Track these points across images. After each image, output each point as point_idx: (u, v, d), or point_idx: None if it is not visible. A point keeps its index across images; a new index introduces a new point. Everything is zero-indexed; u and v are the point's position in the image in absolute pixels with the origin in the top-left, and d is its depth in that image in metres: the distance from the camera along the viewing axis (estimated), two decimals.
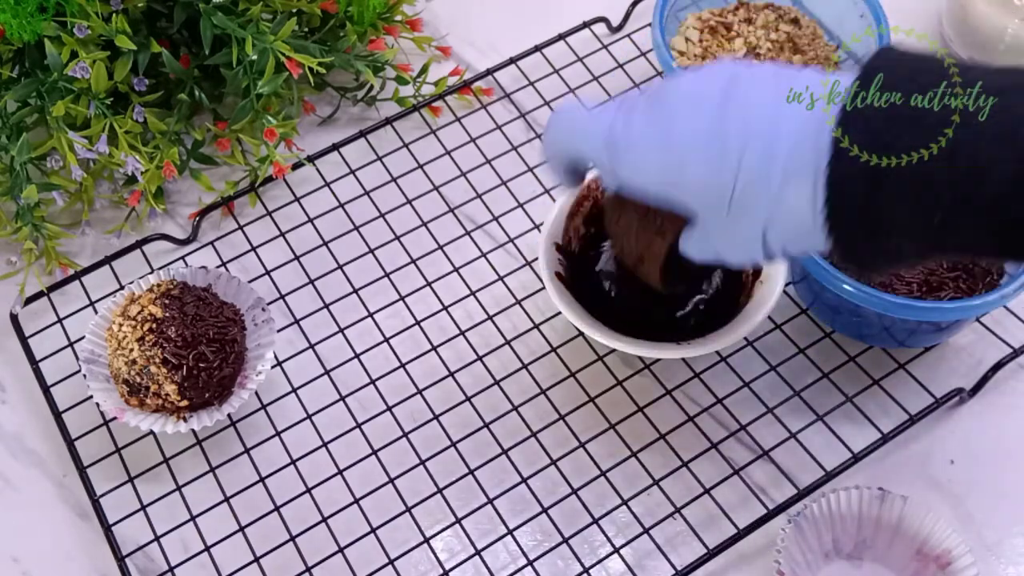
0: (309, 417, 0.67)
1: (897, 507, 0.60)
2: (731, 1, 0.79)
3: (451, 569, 0.62)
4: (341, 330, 0.70)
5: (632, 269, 0.57)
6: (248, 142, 0.76)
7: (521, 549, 0.62)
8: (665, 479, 0.64)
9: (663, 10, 0.74)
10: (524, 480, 0.64)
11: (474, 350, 0.69)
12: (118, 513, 0.64)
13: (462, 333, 0.70)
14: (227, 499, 0.64)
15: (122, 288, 0.70)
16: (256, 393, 0.67)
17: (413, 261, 0.73)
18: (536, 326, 0.70)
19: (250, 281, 0.71)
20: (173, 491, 0.64)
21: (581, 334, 0.69)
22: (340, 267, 0.73)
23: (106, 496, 0.64)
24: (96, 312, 0.70)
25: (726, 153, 0.45)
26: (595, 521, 0.63)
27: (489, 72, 0.81)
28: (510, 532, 0.63)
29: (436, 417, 0.66)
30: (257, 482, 0.64)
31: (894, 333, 0.65)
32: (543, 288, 0.67)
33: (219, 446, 0.66)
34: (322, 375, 0.68)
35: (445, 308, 0.71)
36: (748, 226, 0.46)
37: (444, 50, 0.84)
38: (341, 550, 0.62)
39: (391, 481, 0.64)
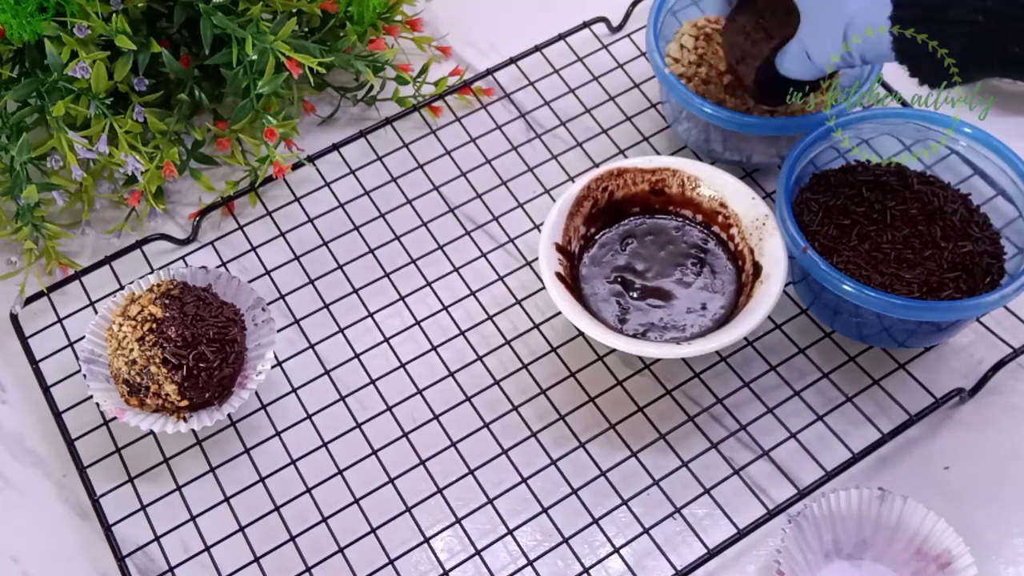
0: (309, 417, 0.67)
1: (897, 507, 0.60)
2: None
3: (451, 569, 0.62)
4: (341, 330, 0.70)
5: (734, 67, 0.69)
6: (248, 142, 0.76)
7: (521, 549, 0.62)
8: (665, 479, 0.64)
9: (658, 14, 0.74)
10: (524, 480, 0.64)
11: (474, 350, 0.69)
12: (118, 513, 0.64)
13: (462, 333, 0.70)
14: (227, 499, 0.64)
15: (122, 288, 0.70)
16: (256, 393, 0.67)
17: (413, 261, 0.73)
18: (536, 326, 0.70)
19: (250, 281, 0.71)
20: (173, 491, 0.64)
21: (581, 334, 0.69)
22: (340, 267, 0.73)
23: (106, 496, 0.64)
24: (96, 312, 0.70)
25: None
26: (595, 521, 0.63)
27: (489, 72, 0.81)
28: (510, 532, 0.63)
29: (436, 417, 0.66)
30: (257, 482, 0.64)
31: (894, 333, 0.65)
32: (543, 288, 0.67)
33: (219, 446, 0.66)
34: (322, 375, 0.68)
35: (445, 308, 0.71)
36: (835, 19, 0.59)
37: (444, 50, 0.84)
38: (341, 550, 0.62)
39: (391, 481, 0.64)
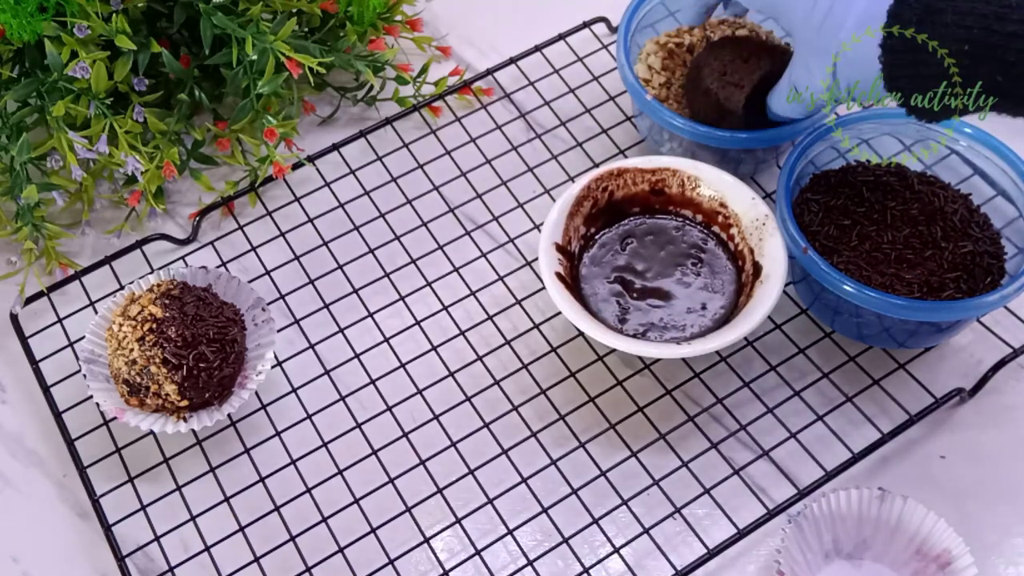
0: (309, 417, 0.67)
1: (897, 507, 0.60)
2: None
3: (451, 569, 0.62)
4: (341, 330, 0.70)
5: (715, 92, 0.68)
6: (248, 142, 0.76)
7: (521, 549, 0.62)
8: (665, 479, 0.64)
9: (627, 28, 0.73)
10: (524, 480, 0.64)
11: (474, 350, 0.69)
12: (118, 513, 0.64)
13: (462, 333, 0.70)
14: (227, 499, 0.64)
15: (122, 288, 0.70)
16: (256, 393, 0.67)
17: (413, 261, 0.73)
18: (536, 326, 0.70)
19: (250, 281, 0.71)
20: (173, 491, 0.64)
21: (581, 334, 0.69)
22: (340, 267, 0.73)
23: (106, 496, 0.64)
24: (96, 312, 0.70)
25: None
26: (595, 521, 0.63)
27: (489, 72, 0.81)
28: (510, 532, 0.63)
29: (436, 417, 0.66)
30: (257, 482, 0.64)
31: (894, 334, 0.65)
32: (543, 288, 0.67)
33: (219, 446, 0.66)
34: (322, 375, 0.68)
35: (445, 308, 0.71)
36: (826, 49, 0.59)
37: (444, 50, 0.84)
38: (341, 550, 0.62)
39: (391, 481, 0.64)
